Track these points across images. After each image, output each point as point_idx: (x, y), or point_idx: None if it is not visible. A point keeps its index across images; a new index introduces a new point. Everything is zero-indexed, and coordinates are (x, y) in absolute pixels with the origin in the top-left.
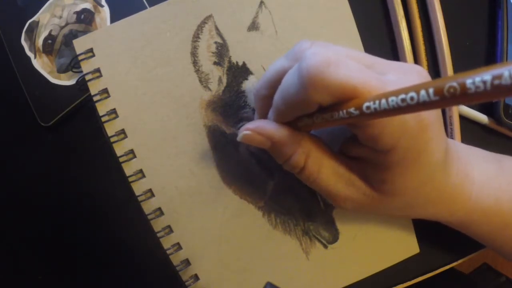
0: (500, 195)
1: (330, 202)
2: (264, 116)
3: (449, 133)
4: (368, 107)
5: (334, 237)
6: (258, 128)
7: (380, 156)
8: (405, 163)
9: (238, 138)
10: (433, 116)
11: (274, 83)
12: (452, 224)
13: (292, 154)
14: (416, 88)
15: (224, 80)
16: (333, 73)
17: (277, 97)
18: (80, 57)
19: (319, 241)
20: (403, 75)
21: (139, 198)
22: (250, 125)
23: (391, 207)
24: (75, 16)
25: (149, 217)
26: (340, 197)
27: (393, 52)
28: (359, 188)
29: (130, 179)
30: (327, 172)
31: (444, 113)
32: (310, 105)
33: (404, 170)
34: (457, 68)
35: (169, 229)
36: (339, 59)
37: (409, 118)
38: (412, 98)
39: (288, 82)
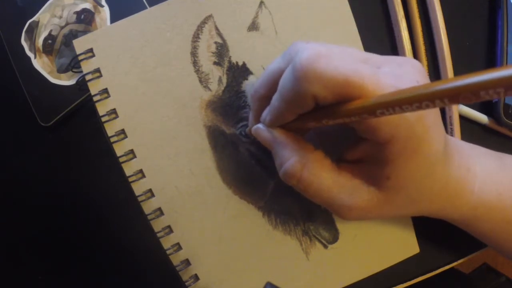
0: (502, 191)
1: (335, 215)
2: (259, 118)
3: (449, 133)
4: (382, 113)
5: (334, 237)
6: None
7: (381, 150)
8: (406, 153)
9: (253, 130)
10: None
11: (272, 83)
12: (456, 221)
13: (288, 159)
14: (430, 97)
15: (224, 80)
16: (323, 64)
17: (275, 95)
18: (80, 57)
19: (319, 241)
20: (397, 67)
21: (139, 198)
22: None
23: (397, 206)
24: (75, 16)
25: (149, 217)
26: (345, 208)
27: (393, 52)
28: (363, 194)
29: (130, 179)
30: (327, 183)
31: (444, 113)
32: (306, 99)
33: (406, 161)
34: (457, 68)
35: (169, 229)
36: (330, 52)
37: None
38: (427, 105)
39: (285, 78)
